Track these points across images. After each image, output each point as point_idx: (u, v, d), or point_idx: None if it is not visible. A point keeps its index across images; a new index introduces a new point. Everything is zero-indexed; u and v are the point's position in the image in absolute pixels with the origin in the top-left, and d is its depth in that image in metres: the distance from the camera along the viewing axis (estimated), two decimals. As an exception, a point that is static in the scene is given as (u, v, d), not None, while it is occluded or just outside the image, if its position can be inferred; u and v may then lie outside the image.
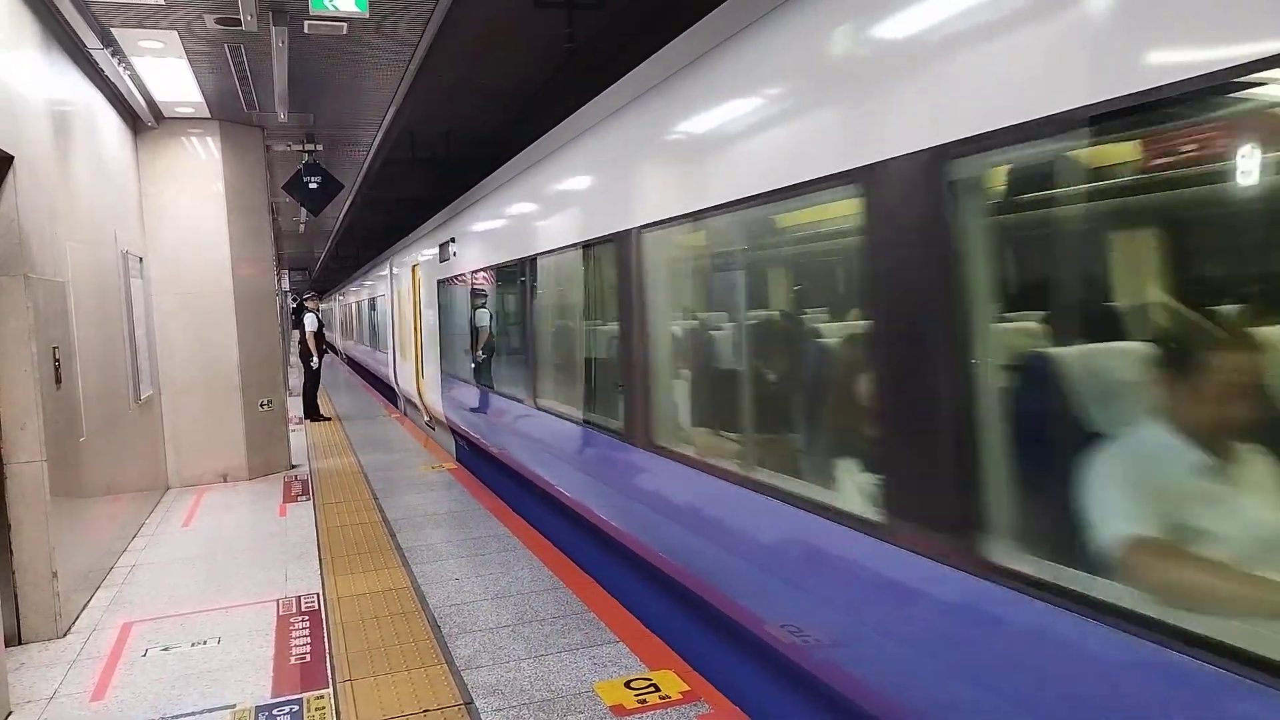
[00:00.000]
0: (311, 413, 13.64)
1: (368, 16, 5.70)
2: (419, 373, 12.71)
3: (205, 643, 4.62)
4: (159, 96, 7.74)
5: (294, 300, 25.60)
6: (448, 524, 6.89)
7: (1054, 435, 2.42)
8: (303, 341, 13.81)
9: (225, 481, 8.84)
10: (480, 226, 8.61)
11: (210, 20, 5.88)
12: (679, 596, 4.40)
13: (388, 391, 17.98)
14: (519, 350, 7.39)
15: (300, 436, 11.67)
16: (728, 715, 3.60)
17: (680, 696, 3.75)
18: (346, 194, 13.49)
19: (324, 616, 4.91)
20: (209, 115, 8.50)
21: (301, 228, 18.06)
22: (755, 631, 3.61)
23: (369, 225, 23.54)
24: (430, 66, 7.44)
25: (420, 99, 9.05)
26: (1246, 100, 1.83)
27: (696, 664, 4.08)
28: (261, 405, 9.08)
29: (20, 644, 4.64)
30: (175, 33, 6.09)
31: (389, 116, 8.98)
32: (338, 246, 29.90)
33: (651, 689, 3.83)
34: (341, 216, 18.06)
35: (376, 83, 7.76)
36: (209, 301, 8.71)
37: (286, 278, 25.12)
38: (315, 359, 13.62)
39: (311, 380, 13.81)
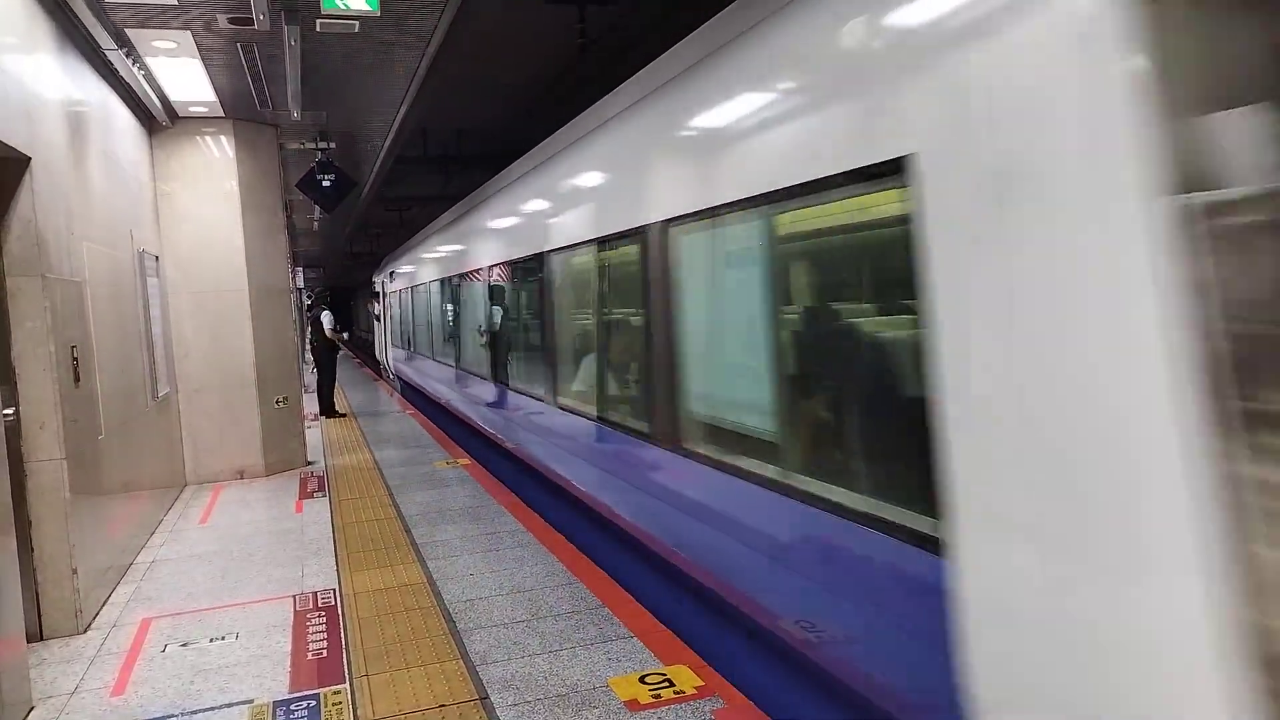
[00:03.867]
0: (327, 409, 13.72)
1: (379, 15, 5.70)
2: None
3: (223, 638, 4.66)
4: (173, 96, 7.79)
5: (308, 298, 25.62)
6: (462, 519, 6.92)
7: None
8: (314, 341, 13.92)
9: (242, 478, 8.90)
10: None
11: (223, 20, 5.91)
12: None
13: None
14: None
15: (316, 433, 11.74)
16: (742, 710, 3.60)
17: (695, 691, 3.75)
18: (360, 191, 13.54)
19: (340, 612, 4.95)
20: (223, 114, 8.55)
21: (315, 225, 18.14)
22: None
23: (382, 222, 23.63)
24: (442, 64, 7.44)
25: (432, 96, 9.07)
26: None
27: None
28: (277, 402, 9.14)
29: (41, 640, 4.69)
30: (189, 32, 6.12)
31: (401, 114, 9.00)
32: (351, 243, 30.02)
33: (666, 684, 3.83)
34: (356, 214, 18.14)
35: (389, 80, 7.78)
36: (224, 299, 8.77)
37: (301, 275, 25.24)
38: (319, 358, 13.75)
39: (327, 377, 13.89)
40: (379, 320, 23.25)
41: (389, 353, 21.80)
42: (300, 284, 24.64)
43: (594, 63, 9.87)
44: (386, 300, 21.64)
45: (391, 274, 20.19)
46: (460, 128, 14.03)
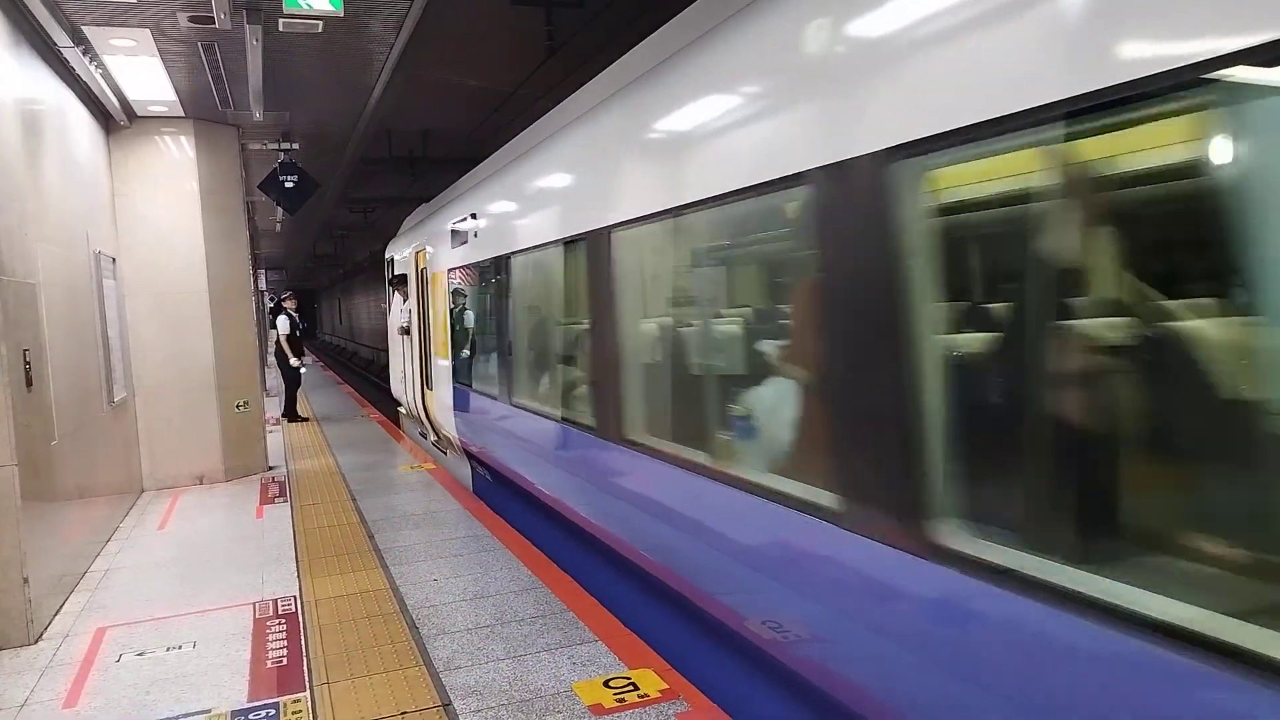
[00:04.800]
0: (291, 414, 13.55)
1: (342, 15, 5.66)
2: None
3: (180, 647, 4.58)
4: (132, 95, 7.66)
5: (271, 300, 25.24)
6: (426, 524, 6.87)
7: None
8: (278, 342, 13.74)
9: (201, 484, 8.76)
10: None
11: (183, 18, 5.82)
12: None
13: None
14: None
15: (278, 437, 11.59)
16: (706, 713, 3.62)
17: (659, 695, 3.76)
18: (324, 192, 13.40)
19: (301, 619, 4.88)
20: (183, 114, 8.42)
21: (278, 227, 17.93)
22: None
23: (347, 224, 23.42)
24: (407, 65, 7.41)
25: (397, 97, 9.01)
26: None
27: None
28: (238, 406, 9.01)
29: (-9, 650, 4.58)
30: (147, 31, 6.02)
31: (366, 115, 8.93)
32: (315, 244, 29.71)
33: (630, 688, 3.84)
34: (320, 215, 17.96)
35: (353, 81, 7.72)
36: (183, 302, 8.63)
37: (263, 277, 24.92)
38: (293, 360, 13.53)
39: (291, 381, 13.72)
40: (406, 334, 11.34)
41: (437, 397, 9.57)
42: (263, 286, 24.33)
43: (561, 66, 9.86)
44: (431, 290, 9.72)
45: (464, 228, 7.98)
46: (426, 129, 13.94)
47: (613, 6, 8.83)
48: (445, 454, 10.08)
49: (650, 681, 3.89)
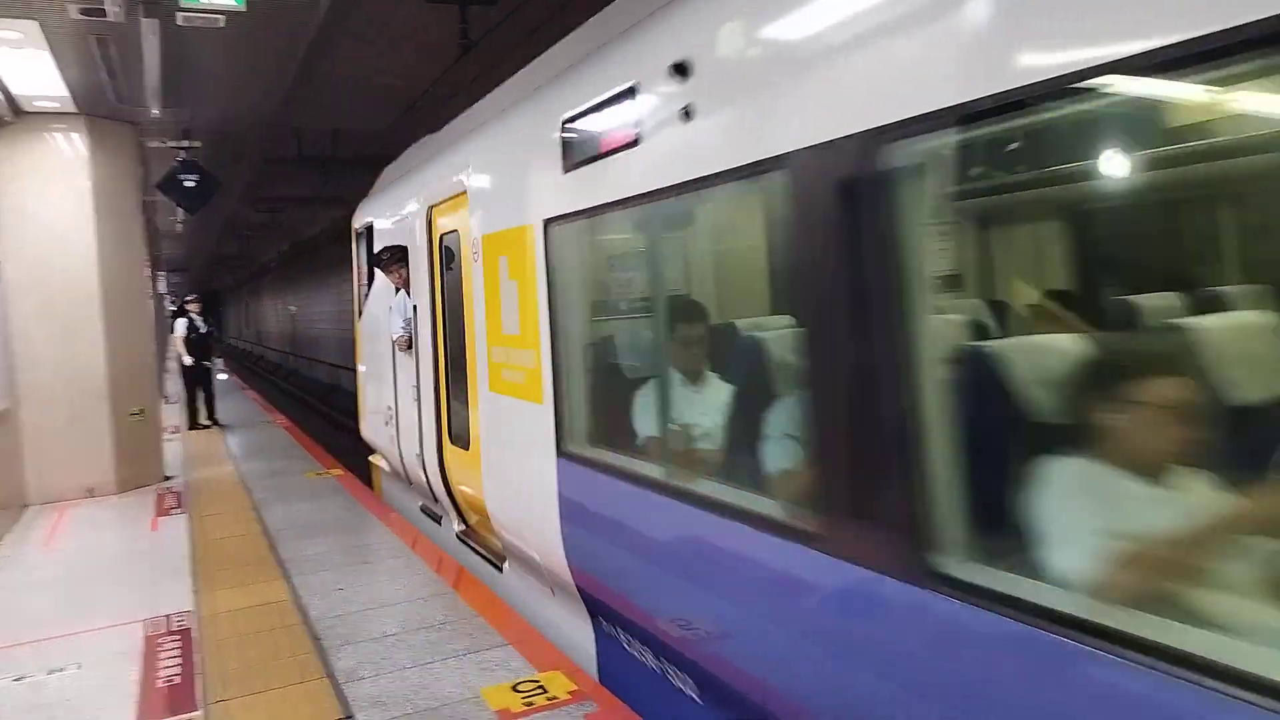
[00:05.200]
0: (193, 421, 13.04)
1: (245, 10, 5.50)
2: None
3: (63, 670, 4.36)
4: (17, 90, 7.28)
5: (173, 303, 24.27)
6: (332, 532, 6.71)
7: None
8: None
9: (91, 496, 8.35)
10: None
11: (73, 10, 5.56)
12: None
13: None
14: None
15: (177, 446, 11.14)
16: (615, 713, 3.64)
17: (568, 697, 3.77)
18: (229, 191, 12.96)
19: (196, 635, 4.71)
20: (75, 110, 8.04)
21: (179, 227, 17.27)
22: None
23: (253, 224, 22.71)
24: (315, 62, 7.25)
25: (306, 95, 8.80)
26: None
27: None
28: (132, 414, 8.63)
29: None
30: (35, 23, 5.74)
31: (272, 113, 8.70)
32: (218, 245, 28.70)
33: (539, 691, 3.83)
34: (224, 215, 17.37)
35: (259, 78, 7.51)
36: (74, 305, 8.23)
37: (164, 279, 23.94)
38: (190, 362, 13.01)
39: (192, 387, 13.20)
40: (408, 348, 6.59)
41: (491, 468, 5.10)
42: (163, 289, 23.38)
43: (475, 65, 9.79)
44: (479, 271, 5.01)
45: (620, 121, 3.39)
46: (337, 128, 13.62)
47: (527, 5, 8.81)
48: (500, 569, 5.50)
49: (559, 684, 3.89)
